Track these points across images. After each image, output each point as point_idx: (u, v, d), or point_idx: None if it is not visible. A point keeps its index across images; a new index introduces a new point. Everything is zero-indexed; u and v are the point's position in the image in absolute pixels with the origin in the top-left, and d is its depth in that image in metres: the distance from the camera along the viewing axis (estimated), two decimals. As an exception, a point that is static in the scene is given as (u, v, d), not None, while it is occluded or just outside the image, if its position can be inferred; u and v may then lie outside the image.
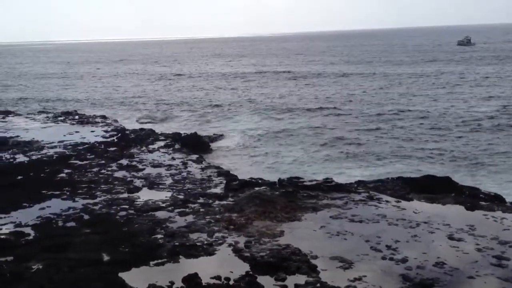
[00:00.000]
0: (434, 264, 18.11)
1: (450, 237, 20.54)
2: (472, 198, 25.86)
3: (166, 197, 26.78)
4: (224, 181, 29.33)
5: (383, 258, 18.77)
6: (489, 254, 18.90)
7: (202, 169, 33.08)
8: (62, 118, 56.62)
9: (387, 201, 25.55)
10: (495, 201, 25.67)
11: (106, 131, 47.50)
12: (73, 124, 52.66)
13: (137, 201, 26.15)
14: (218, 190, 28.05)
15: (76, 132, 47.20)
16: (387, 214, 23.58)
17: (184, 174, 31.76)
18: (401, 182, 28.78)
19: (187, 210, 24.62)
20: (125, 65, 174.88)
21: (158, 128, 51.35)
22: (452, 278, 17.15)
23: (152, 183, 29.45)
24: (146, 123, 57.79)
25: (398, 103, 67.36)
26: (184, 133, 46.61)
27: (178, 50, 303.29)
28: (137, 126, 52.88)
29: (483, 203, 25.19)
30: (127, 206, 25.33)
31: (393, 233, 21.22)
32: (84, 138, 43.94)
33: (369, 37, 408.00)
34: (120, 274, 17.73)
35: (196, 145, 42.57)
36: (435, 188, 27.38)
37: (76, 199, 26.70)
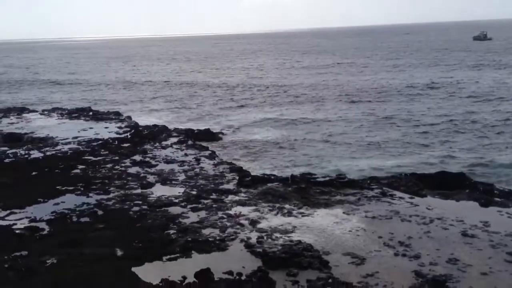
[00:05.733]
0: (447, 261, 18.03)
1: (464, 234, 20.40)
2: (486, 194, 25.63)
3: (179, 192, 26.94)
4: (237, 177, 29.39)
5: (396, 254, 18.72)
6: (503, 250, 18.77)
7: (215, 165, 33.18)
8: (76, 114, 57.05)
9: (400, 197, 25.43)
10: (510, 198, 25.42)
11: (119, 127, 47.86)
12: (87, 120, 53.11)
13: (150, 197, 26.35)
14: (230, 186, 28.12)
15: (90, 128, 47.67)
16: (400, 210, 23.48)
17: (197, 170, 31.88)
18: (414, 178, 28.57)
19: (199, 205, 24.76)
20: (138, 61, 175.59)
21: (171, 125, 51.46)
22: (465, 274, 17.05)
23: (165, 179, 29.62)
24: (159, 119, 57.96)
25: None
26: (197, 129, 46.70)
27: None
28: (151, 122, 53.08)
29: (497, 199, 24.99)
30: (140, 202, 25.53)
31: (406, 229, 21.15)
32: (98, 134, 44.31)
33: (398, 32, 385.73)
34: (133, 269, 17.95)
35: (209, 141, 42.77)
36: (449, 184, 27.19)
37: (90, 194, 26.98)
